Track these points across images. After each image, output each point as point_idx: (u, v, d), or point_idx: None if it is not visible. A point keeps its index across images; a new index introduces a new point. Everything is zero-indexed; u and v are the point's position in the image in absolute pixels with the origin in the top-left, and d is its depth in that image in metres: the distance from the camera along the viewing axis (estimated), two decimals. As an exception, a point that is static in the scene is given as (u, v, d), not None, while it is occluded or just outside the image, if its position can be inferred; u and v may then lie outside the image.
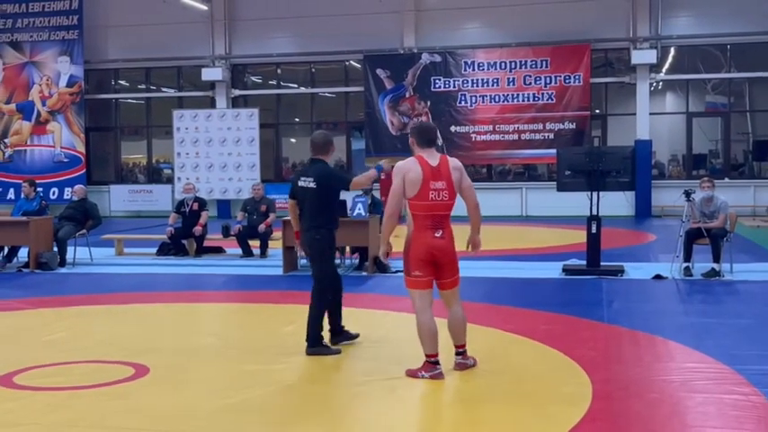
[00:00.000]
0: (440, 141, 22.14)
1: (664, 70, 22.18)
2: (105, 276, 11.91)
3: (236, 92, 23.90)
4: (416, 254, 5.85)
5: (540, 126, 21.80)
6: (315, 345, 6.71)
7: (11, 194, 23.29)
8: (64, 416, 5.22)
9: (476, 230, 6.31)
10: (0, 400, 5.53)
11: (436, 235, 5.89)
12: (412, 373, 5.92)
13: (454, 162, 6.03)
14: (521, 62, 21.81)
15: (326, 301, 6.89)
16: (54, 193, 23.27)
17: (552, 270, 11.38)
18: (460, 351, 6.14)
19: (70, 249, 12.85)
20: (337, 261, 12.29)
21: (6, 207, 15.86)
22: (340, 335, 7.03)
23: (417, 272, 5.88)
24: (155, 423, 5.08)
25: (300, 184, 6.89)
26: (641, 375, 5.95)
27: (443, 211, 5.91)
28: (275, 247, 12.83)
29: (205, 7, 22.78)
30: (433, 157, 5.93)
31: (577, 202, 12.18)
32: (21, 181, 15.17)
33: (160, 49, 23.47)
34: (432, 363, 5.90)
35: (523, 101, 21.86)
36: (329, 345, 6.83)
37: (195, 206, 13.77)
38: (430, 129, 6.30)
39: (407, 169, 5.83)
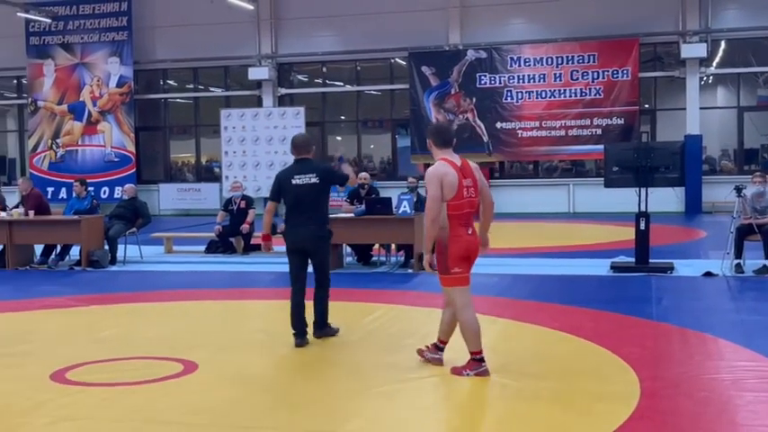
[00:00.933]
0: (485, 137, 22.08)
1: (714, 64, 21.80)
2: (155, 274, 12.09)
3: (283, 90, 24.07)
4: (456, 251, 5.88)
5: (588, 122, 21.59)
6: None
7: (63, 194, 23.72)
8: (116, 411, 5.33)
9: (487, 230, 6.32)
10: (54, 396, 5.65)
11: (468, 232, 5.97)
12: (457, 371, 5.94)
13: (472, 163, 6.13)
14: (567, 57, 21.62)
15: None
16: (105, 192, 23.66)
17: (600, 267, 11.28)
18: (442, 347, 6.23)
19: (121, 247, 13.06)
20: (383, 259, 12.40)
21: (58, 206, 16.16)
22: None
23: (457, 268, 5.91)
24: (203, 418, 5.16)
25: (297, 181, 7.04)
26: (690, 373, 5.89)
27: (472, 208, 6.01)
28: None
29: (251, 7, 22.96)
30: (455, 157, 6.01)
31: (626, 199, 12.06)
32: (72, 180, 15.44)
33: (207, 49, 23.72)
34: (477, 360, 5.92)
35: (570, 96, 21.66)
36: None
37: (243, 204, 13.91)
38: (447, 129, 6.41)
39: (443, 173, 5.86)
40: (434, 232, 5.92)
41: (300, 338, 7.05)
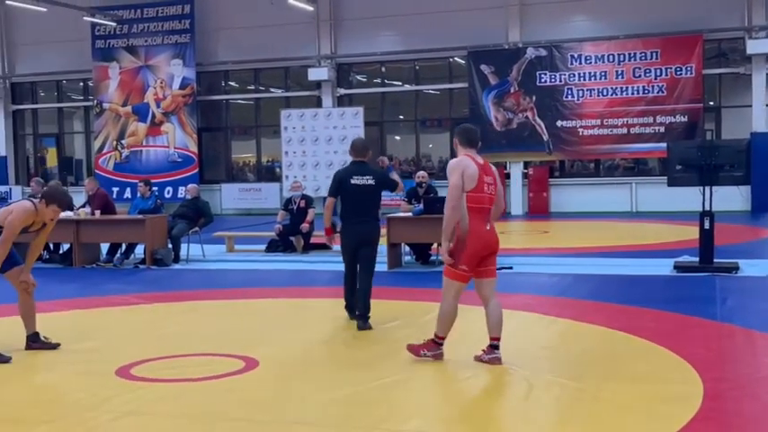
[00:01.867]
0: (545, 136, 21.88)
1: (782, 59, 21.26)
2: (217, 272, 12.26)
3: (342, 91, 24.18)
4: (473, 248, 6.11)
5: (651, 119, 21.24)
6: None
7: (127, 193, 24.18)
8: (179, 407, 5.42)
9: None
10: (119, 392, 5.78)
11: (487, 228, 6.22)
12: (414, 350, 6.32)
13: (492, 166, 6.48)
14: (630, 54, 21.30)
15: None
16: (168, 192, 24.05)
17: (663, 267, 11.10)
18: (496, 344, 6.25)
19: (184, 246, 13.27)
20: (433, 256, 12.37)
21: (123, 206, 16.49)
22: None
23: (464, 266, 6.14)
24: (264, 414, 5.23)
25: (355, 181, 7.74)
26: (756, 375, 5.77)
27: (491, 204, 6.26)
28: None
29: (311, 8, 23.12)
30: (477, 157, 6.31)
31: (689, 198, 11.85)
32: (137, 180, 15.74)
33: (268, 50, 23.95)
34: (438, 343, 6.28)
35: (633, 94, 21.34)
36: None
37: (302, 204, 14.02)
38: (472, 130, 6.59)
39: (465, 165, 6.15)
40: (455, 221, 6.11)
41: (357, 317, 7.79)
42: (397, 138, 25.71)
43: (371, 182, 7.79)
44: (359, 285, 7.83)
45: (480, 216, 6.14)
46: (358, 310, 7.79)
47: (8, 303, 6.98)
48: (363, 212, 7.74)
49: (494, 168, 6.43)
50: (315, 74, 23.58)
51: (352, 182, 7.73)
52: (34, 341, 7.06)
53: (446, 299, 6.25)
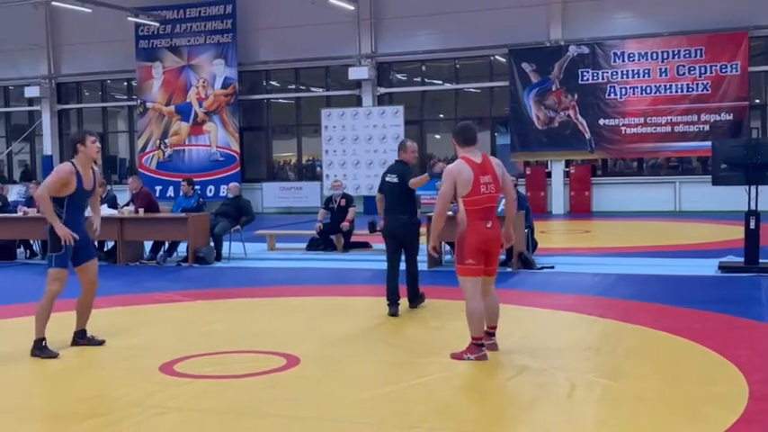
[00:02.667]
0: (587, 134, 21.71)
1: (831, 56, 20.88)
2: (258, 270, 12.35)
3: (382, 90, 24.21)
4: (472, 243, 6.27)
5: (695, 117, 20.96)
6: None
7: (170, 192, 24.45)
8: (221, 403, 5.48)
9: (511, 223, 6.69)
10: (163, 387, 5.85)
11: (488, 225, 6.32)
12: (458, 356, 6.31)
13: (495, 159, 6.57)
14: (673, 52, 21.04)
15: None
16: (210, 191, 24.27)
17: (707, 267, 10.97)
18: (493, 332, 6.55)
19: (226, 244, 13.39)
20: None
21: (166, 204, 16.69)
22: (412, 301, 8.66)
23: (471, 260, 6.28)
24: (304, 411, 5.26)
25: (387, 179, 8.53)
26: (803, 378, 5.67)
27: (492, 203, 6.37)
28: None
29: (352, 7, 23.17)
30: (476, 155, 6.39)
31: (734, 197, 11.66)
32: (180, 179, 15.91)
33: (309, 50, 24.06)
34: (478, 345, 6.31)
35: (677, 92, 21.07)
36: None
37: (343, 202, 14.07)
38: (468, 128, 6.61)
39: (458, 172, 6.28)
40: (440, 225, 6.54)
41: (394, 308, 8.33)
42: (437, 137, 25.67)
43: (396, 180, 8.49)
44: (408, 282, 8.56)
45: (478, 216, 6.28)
46: (408, 296, 8.55)
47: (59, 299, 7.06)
48: (395, 208, 8.45)
49: (495, 161, 6.51)
50: (355, 73, 23.63)
51: (386, 179, 8.58)
52: (81, 338, 7.17)
53: (467, 298, 6.36)
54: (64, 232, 6.73)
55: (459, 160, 6.38)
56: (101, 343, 7.17)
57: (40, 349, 6.77)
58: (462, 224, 6.29)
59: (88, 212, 7.33)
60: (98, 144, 7.01)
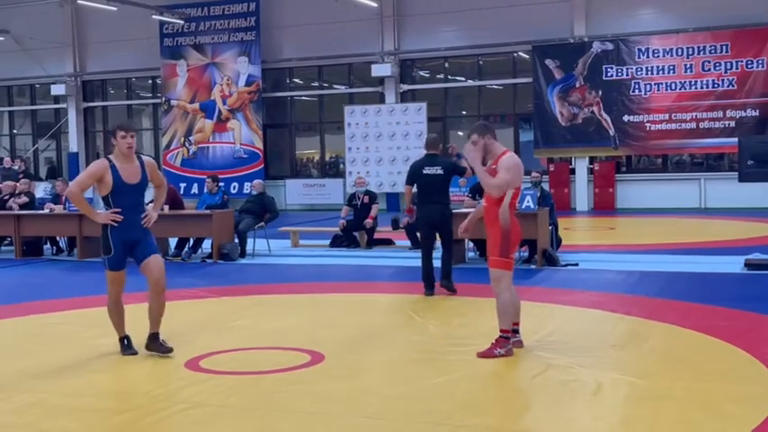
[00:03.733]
0: (611, 131, 21.57)
1: None
2: (282, 267, 12.39)
3: (405, 87, 24.18)
4: (516, 238, 6.44)
5: (720, 114, 20.77)
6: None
7: (195, 189, 24.55)
8: (246, 398, 5.50)
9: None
10: (188, 383, 5.88)
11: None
12: (487, 354, 6.27)
13: None
14: (699, 48, 20.85)
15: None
16: (234, 188, 24.35)
17: (733, 265, 10.86)
18: (517, 329, 6.52)
19: (250, 241, 13.43)
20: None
21: (191, 201, 16.75)
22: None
23: (512, 254, 6.41)
24: (330, 406, 5.27)
25: (427, 171, 9.15)
26: (833, 376, 5.60)
27: None
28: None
29: (375, 4, 23.16)
30: None
31: (761, 194, 11.56)
32: (204, 176, 15.97)
33: (332, 47, 24.08)
34: (506, 338, 6.35)
35: (702, 88, 20.88)
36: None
37: (366, 199, 14.07)
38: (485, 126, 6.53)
39: (520, 164, 6.40)
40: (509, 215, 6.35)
41: (429, 290, 9.18)
42: (460, 133, 25.58)
43: (440, 171, 9.16)
44: (442, 264, 9.26)
45: (514, 209, 6.41)
46: (442, 274, 9.25)
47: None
48: (432, 196, 9.10)
49: None
50: (378, 70, 23.61)
51: (424, 172, 9.17)
52: (152, 341, 6.67)
53: (501, 291, 6.34)
54: (103, 218, 6.48)
55: (511, 152, 6.42)
56: (168, 351, 6.59)
57: (122, 348, 6.70)
58: (505, 218, 6.25)
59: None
60: (129, 139, 6.50)
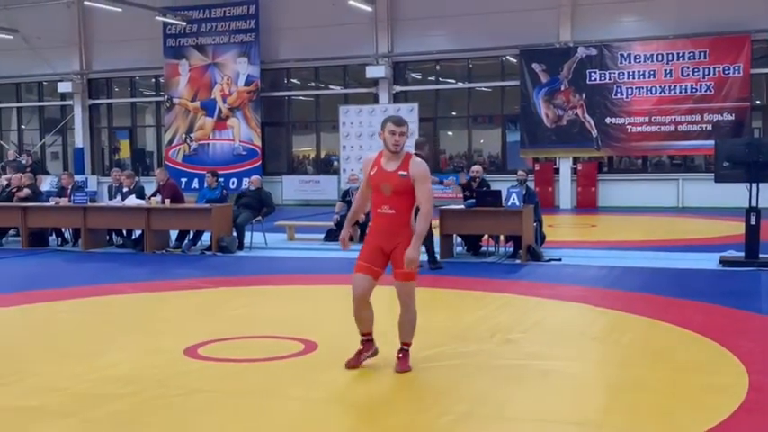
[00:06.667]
0: (594, 133, 21.61)
1: (830, 59, 20.65)
2: (278, 259, 12.37)
3: (398, 88, 24.14)
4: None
5: (698, 117, 20.81)
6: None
7: (195, 184, 24.49)
8: (243, 385, 5.50)
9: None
10: (187, 370, 5.88)
11: None
12: (405, 368, 5.67)
13: None
14: (678, 54, 20.88)
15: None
16: (233, 183, 24.29)
17: (709, 261, 10.89)
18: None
19: (247, 234, 13.41)
20: (492, 249, 12.32)
21: (191, 195, 16.72)
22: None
23: None
24: (322, 393, 5.27)
25: None
26: (802, 369, 5.62)
27: None
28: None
29: (369, 9, 23.12)
30: None
31: (735, 194, 11.58)
32: (204, 172, 15.93)
33: (328, 49, 24.01)
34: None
35: (681, 92, 20.91)
36: None
37: (359, 195, 14.03)
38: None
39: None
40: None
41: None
42: (450, 133, 25.61)
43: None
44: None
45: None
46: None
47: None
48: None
49: None
50: (372, 72, 23.58)
51: None
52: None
53: (413, 304, 5.73)
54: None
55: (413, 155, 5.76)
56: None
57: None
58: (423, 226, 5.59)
59: None
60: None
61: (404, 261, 5.54)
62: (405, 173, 5.58)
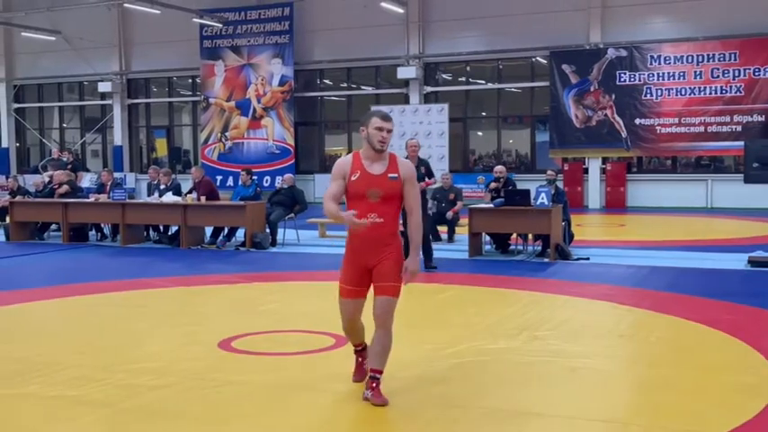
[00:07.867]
0: (624, 133, 21.41)
1: None
2: (310, 256, 12.41)
3: (428, 88, 24.10)
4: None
5: (728, 118, 20.53)
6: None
7: (230, 182, 24.65)
8: (275, 377, 5.53)
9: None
10: (221, 362, 5.92)
11: None
12: (382, 400, 4.85)
13: None
14: (708, 55, 20.61)
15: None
16: (267, 181, 24.40)
17: (737, 261, 10.74)
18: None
19: (280, 231, 13.48)
20: (520, 247, 12.27)
21: (226, 193, 16.84)
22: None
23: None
24: (353, 386, 5.26)
25: None
26: (831, 369, 5.52)
27: None
28: (461, 233, 12.89)
29: (401, 10, 23.10)
30: None
31: (765, 195, 11.42)
32: (239, 170, 16.04)
33: (360, 51, 24.04)
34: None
35: (710, 93, 20.65)
36: None
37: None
38: None
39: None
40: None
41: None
42: (480, 133, 25.51)
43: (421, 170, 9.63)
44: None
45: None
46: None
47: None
48: None
49: None
50: (403, 72, 23.55)
51: None
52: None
53: (391, 326, 4.98)
54: None
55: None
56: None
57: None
58: (398, 238, 4.99)
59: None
60: None
61: (397, 273, 4.86)
62: (395, 175, 4.83)
